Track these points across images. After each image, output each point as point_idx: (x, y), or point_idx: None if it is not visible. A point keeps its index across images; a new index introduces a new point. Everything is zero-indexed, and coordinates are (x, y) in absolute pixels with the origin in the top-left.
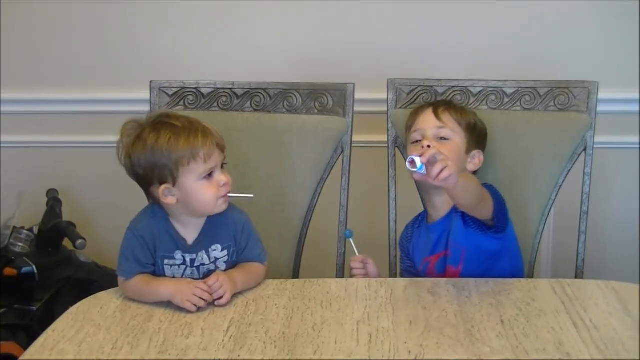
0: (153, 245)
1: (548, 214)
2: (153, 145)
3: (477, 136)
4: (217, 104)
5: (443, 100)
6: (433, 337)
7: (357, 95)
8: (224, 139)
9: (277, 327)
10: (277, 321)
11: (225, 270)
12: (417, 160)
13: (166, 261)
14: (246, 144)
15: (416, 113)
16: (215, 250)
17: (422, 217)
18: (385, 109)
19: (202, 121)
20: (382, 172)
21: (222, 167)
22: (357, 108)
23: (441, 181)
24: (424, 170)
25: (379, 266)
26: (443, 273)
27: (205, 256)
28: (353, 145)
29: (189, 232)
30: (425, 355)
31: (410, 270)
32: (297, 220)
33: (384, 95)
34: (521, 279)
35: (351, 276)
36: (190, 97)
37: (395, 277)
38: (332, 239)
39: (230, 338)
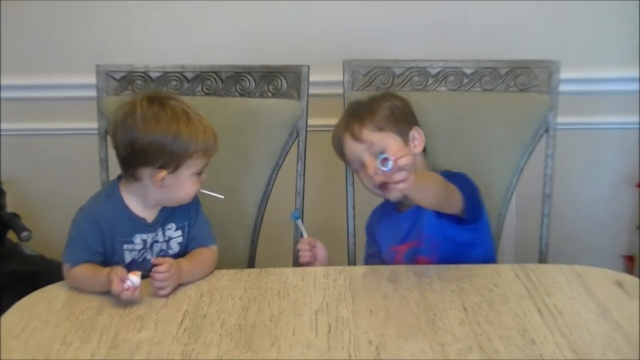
0: (110, 231)
1: (510, 198)
2: (176, 133)
3: (403, 121)
4: (167, 88)
5: (350, 113)
6: (394, 326)
7: (312, 78)
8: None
9: (232, 318)
10: (233, 312)
11: (177, 253)
12: (390, 162)
13: (125, 246)
14: None
15: (339, 145)
16: (169, 229)
17: (393, 204)
18: (342, 91)
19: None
20: (335, 157)
21: None
22: (312, 90)
23: (397, 186)
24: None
25: (329, 250)
26: (412, 263)
27: (160, 233)
28: (309, 129)
29: (148, 212)
30: (386, 345)
31: (376, 255)
32: (252, 208)
33: (339, 77)
34: (483, 265)
35: (298, 261)
36: (139, 82)
37: (355, 264)
38: (289, 227)
39: (185, 331)
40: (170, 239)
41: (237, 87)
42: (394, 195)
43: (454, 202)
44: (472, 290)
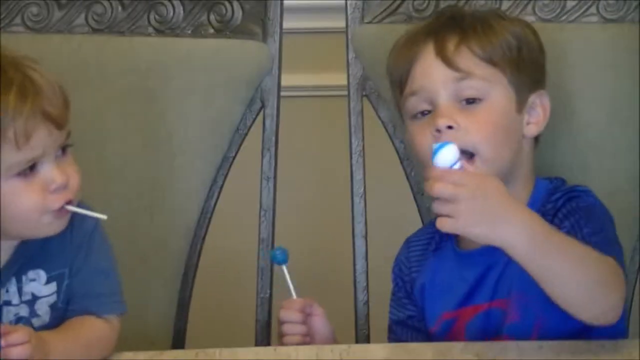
0: None
1: None
2: None
3: (528, 71)
4: (22, 19)
5: (448, 17)
6: None
7: (289, 3)
8: (68, 100)
9: None
10: None
11: (44, 326)
12: (453, 149)
13: None
14: (81, 95)
15: (405, 56)
16: (34, 280)
17: (445, 233)
18: (342, 24)
19: (30, 62)
20: (339, 143)
21: (62, 152)
22: (288, 24)
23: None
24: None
25: (331, 321)
26: (488, 339)
27: (14, 289)
28: (283, 94)
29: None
30: None
31: (413, 325)
32: (179, 238)
33: (338, 2)
34: (605, 342)
35: (281, 341)
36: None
37: (369, 340)
38: (248, 269)
39: None
40: (34, 298)
41: (152, 16)
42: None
43: (609, 300)
44: None
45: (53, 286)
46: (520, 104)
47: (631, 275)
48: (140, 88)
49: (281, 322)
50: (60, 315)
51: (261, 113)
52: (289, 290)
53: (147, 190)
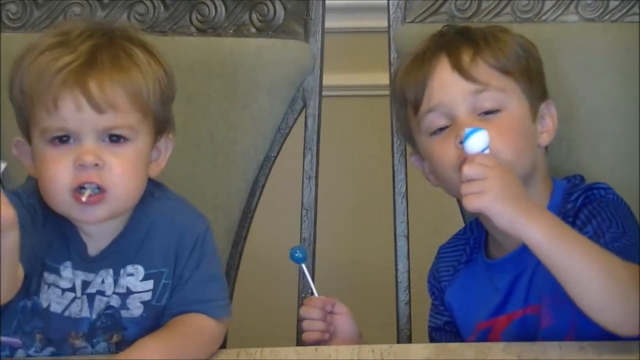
0: (41, 238)
1: None
2: (20, 59)
3: (537, 81)
4: (64, 18)
5: (455, 32)
6: None
7: (331, 2)
8: (166, 94)
9: None
10: None
11: (138, 321)
12: (484, 135)
13: (46, 274)
14: None
15: (419, 73)
16: (131, 275)
17: (476, 243)
18: (385, 23)
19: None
20: (381, 143)
21: (112, 140)
22: (330, 24)
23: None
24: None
25: (361, 319)
26: None
27: (110, 280)
28: (325, 93)
29: (96, 232)
30: None
31: (451, 330)
32: (221, 238)
33: (381, 2)
34: None
35: (302, 339)
36: (13, 7)
37: (411, 340)
38: (289, 269)
39: None
40: (128, 291)
41: (194, 16)
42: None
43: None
44: None
45: (150, 283)
46: (534, 113)
47: None
48: (182, 87)
49: (301, 319)
50: (153, 313)
51: (303, 112)
52: (310, 288)
53: (188, 189)
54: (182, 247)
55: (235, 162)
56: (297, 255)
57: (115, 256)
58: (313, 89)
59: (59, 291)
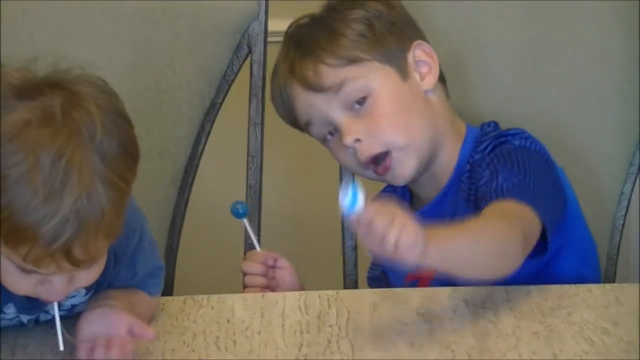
0: None
1: (634, 184)
2: (4, 149)
3: (391, 37)
4: None
5: (294, 44)
6: None
7: None
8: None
9: None
10: None
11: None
12: (358, 196)
13: None
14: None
15: (282, 102)
16: (73, 297)
17: (403, 196)
18: None
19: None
20: None
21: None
22: None
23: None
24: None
25: (304, 268)
26: None
27: (53, 305)
28: (270, 39)
29: None
30: None
31: (387, 280)
32: (167, 185)
33: None
34: (591, 285)
35: (244, 290)
36: None
37: (357, 287)
38: (234, 221)
39: None
40: (72, 306)
41: None
42: (397, 176)
43: (526, 250)
44: (570, 331)
45: (91, 293)
46: (403, 71)
47: (618, 221)
48: (126, 35)
49: (243, 274)
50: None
51: (248, 59)
52: (253, 243)
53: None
54: (117, 263)
55: (181, 108)
56: (238, 210)
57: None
58: (258, 35)
59: (6, 321)
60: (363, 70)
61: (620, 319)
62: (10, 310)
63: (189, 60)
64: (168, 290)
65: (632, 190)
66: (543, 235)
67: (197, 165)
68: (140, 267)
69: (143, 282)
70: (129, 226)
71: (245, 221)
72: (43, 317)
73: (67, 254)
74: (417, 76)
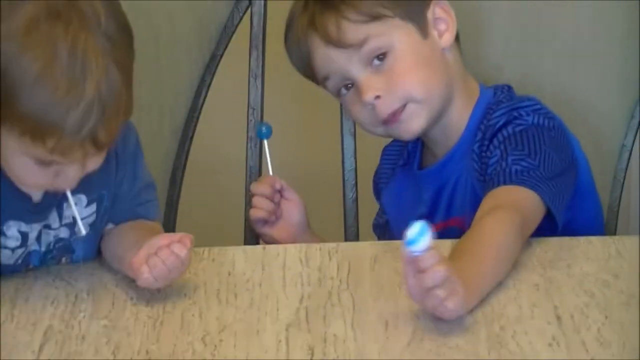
0: None
1: (635, 138)
2: (13, 48)
3: None
4: None
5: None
6: (430, 350)
7: None
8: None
9: (134, 341)
10: (136, 330)
11: (86, 242)
12: (424, 238)
13: None
14: None
15: (299, 54)
16: (76, 203)
17: (414, 149)
18: None
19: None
20: None
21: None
22: None
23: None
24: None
25: (320, 219)
26: None
27: (54, 215)
28: None
29: None
30: None
31: (388, 231)
32: (167, 138)
33: None
34: (591, 237)
35: (249, 214)
36: None
37: (358, 239)
38: (236, 168)
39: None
40: (75, 220)
41: None
42: (406, 130)
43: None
44: (570, 284)
45: (93, 207)
46: (423, 29)
47: (619, 174)
48: None
49: (252, 195)
50: (97, 233)
51: (248, 11)
52: (267, 166)
53: (134, 91)
54: (119, 166)
55: (181, 61)
56: (262, 130)
57: (58, 193)
58: None
59: (8, 252)
60: (385, 28)
61: (621, 272)
62: (11, 232)
63: (188, 14)
64: None
65: (633, 143)
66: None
67: (198, 118)
68: (139, 174)
69: (144, 200)
70: (126, 125)
71: (265, 143)
72: (33, 260)
73: (94, 139)
74: (435, 34)
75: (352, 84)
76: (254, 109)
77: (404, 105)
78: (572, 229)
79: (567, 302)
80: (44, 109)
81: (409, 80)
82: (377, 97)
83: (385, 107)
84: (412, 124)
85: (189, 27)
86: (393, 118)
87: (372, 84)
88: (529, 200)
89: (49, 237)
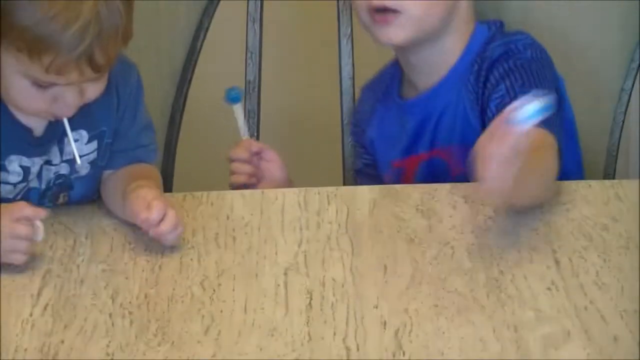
0: None
1: (634, 83)
2: None
3: None
4: None
5: None
6: (427, 294)
7: None
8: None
9: (133, 285)
10: (133, 275)
11: (86, 179)
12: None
13: None
14: None
15: None
16: (76, 140)
17: (392, 81)
18: None
19: None
20: (327, 18)
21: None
22: None
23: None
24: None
25: (319, 164)
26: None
27: (55, 150)
28: None
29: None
30: (413, 330)
31: (369, 172)
32: (166, 81)
33: None
34: (591, 181)
35: (229, 181)
36: None
37: (356, 183)
38: (233, 118)
39: (45, 310)
40: (72, 158)
41: None
42: (388, 36)
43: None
44: (569, 227)
45: (94, 144)
46: None
47: (618, 117)
48: None
49: (230, 161)
50: (98, 171)
51: None
52: (241, 130)
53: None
54: (120, 104)
55: (178, 6)
56: (232, 94)
57: (60, 127)
58: None
59: (9, 187)
60: None
61: (620, 215)
62: (12, 166)
63: None
64: (167, 187)
65: (633, 86)
66: None
67: (196, 62)
68: (140, 111)
69: (143, 142)
70: (126, 62)
71: (238, 107)
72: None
73: (90, 59)
74: None
75: None
76: (252, 53)
77: (397, 13)
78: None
79: (566, 245)
80: (41, 23)
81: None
82: None
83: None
84: (398, 33)
85: None
86: (383, 19)
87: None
88: (548, 139)
89: (49, 173)
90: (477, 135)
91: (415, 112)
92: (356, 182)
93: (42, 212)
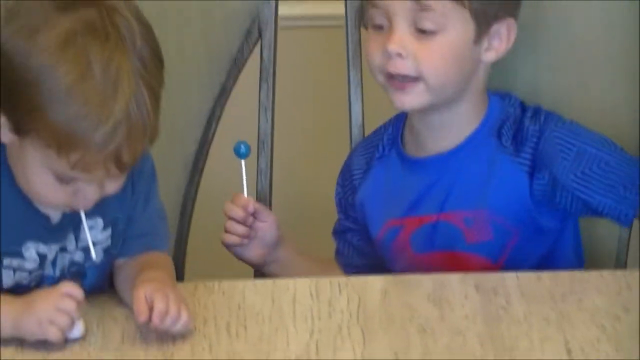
0: None
1: None
2: (48, 59)
3: (494, 4)
4: None
5: None
6: None
7: None
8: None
9: None
10: None
11: (99, 268)
12: None
13: (6, 261)
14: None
15: None
16: (92, 228)
17: (389, 139)
18: None
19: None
20: (337, 74)
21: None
22: None
23: None
24: None
25: (308, 246)
26: (433, 252)
27: (71, 237)
28: (280, 24)
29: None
30: None
31: (351, 240)
32: (177, 171)
33: None
34: (603, 271)
35: (221, 238)
36: None
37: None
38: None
39: None
40: (86, 247)
41: None
42: (402, 102)
43: None
44: (581, 317)
45: (108, 231)
46: (480, 34)
47: None
48: None
49: (226, 216)
50: (110, 259)
51: (258, 44)
52: (242, 187)
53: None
54: (135, 189)
55: (191, 94)
56: (240, 149)
57: (76, 214)
58: (268, 20)
59: (25, 274)
60: (452, 11)
61: (632, 305)
62: (29, 253)
63: (199, 46)
64: (179, 276)
65: None
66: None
67: (208, 151)
68: (154, 198)
69: (155, 230)
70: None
71: (243, 163)
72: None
73: (117, 158)
74: (485, 45)
75: (381, 26)
76: (263, 142)
77: (416, 79)
78: (564, 240)
79: (579, 335)
80: (74, 121)
81: (435, 66)
82: (399, 54)
83: (400, 67)
84: (413, 100)
85: (199, 59)
86: (400, 85)
87: (404, 43)
88: None
89: (64, 260)
90: (519, 211)
91: (429, 170)
92: (335, 243)
93: (81, 295)
